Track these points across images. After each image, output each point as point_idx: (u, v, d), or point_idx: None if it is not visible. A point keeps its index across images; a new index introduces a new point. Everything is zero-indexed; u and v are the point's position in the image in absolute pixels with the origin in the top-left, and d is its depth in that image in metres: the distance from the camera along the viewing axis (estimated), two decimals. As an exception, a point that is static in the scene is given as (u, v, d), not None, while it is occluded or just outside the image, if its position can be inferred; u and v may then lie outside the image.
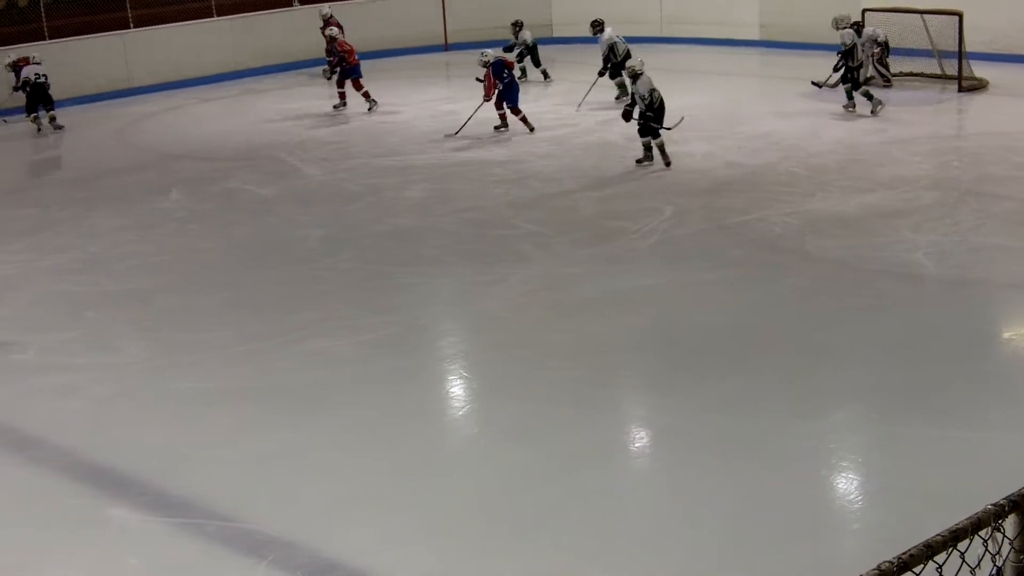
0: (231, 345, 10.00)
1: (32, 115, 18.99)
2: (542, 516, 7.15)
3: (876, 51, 18.69)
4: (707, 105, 18.20)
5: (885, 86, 18.82)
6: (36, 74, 18.99)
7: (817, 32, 20.53)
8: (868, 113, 17.11)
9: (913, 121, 17.07)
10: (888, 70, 18.99)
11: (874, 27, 18.69)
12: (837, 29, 17.64)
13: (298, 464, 7.94)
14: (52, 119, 19.17)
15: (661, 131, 14.73)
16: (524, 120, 17.10)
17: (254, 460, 8.00)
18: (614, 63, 18.71)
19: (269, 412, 8.74)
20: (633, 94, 14.93)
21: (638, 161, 14.94)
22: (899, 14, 19.16)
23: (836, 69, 17.34)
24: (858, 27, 18.39)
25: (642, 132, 14.89)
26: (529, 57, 21.10)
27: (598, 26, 19.18)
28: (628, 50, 18.73)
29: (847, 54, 17.19)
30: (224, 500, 7.41)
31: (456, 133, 17.07)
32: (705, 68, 22.35)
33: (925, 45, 19.02)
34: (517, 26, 21.23)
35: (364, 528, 7.07)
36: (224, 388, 9.20)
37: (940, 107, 18.11)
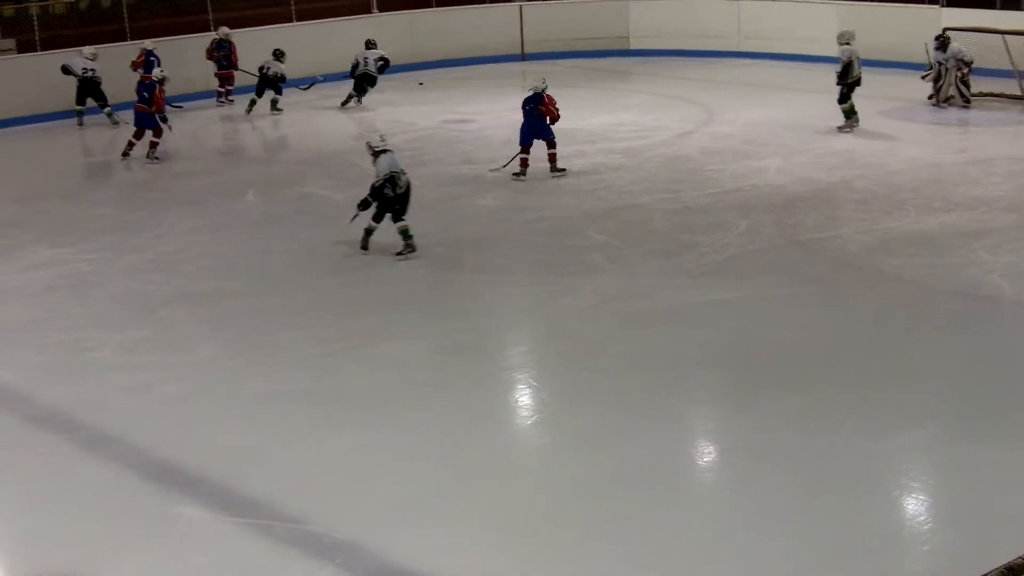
0: (301, 348, 10.09)
1: (78, 108, 19.56)
2: (607, 524, 7.14)
3: (963, 71, 18.45)
4: (783, 120, 18.07)
5: (964, 106, 18.58)
6: (84, 68, 19.38)
7: (897, 49, 20.34)
8: (839, 125, 17.29)
9: (992, 142, 16.83)
10: (969, 90, 18.74)
11: (960, 45, 18.46)
12: (839, 44, 17.51)
13: (365, 467, 7.99)
14: (108, 114, 19.60)
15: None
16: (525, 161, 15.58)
17: (322, 463, 8.06)
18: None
19: (337, 415, 8.82)
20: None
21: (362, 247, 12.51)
22: (980, 33, 18.91)
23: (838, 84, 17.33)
24: (944, 43, 18.24)
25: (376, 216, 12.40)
26: None
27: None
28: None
29: (844, 71, 17.19)
30: (292, 502, 7.47)
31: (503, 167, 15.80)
32: (780, 83, 22.20)
33: (1006, 65, 18.75)
34: None
35: (430, 533, 7.09)
36: (293, 390, 9.28)
37: (1020, 128, 17.81)
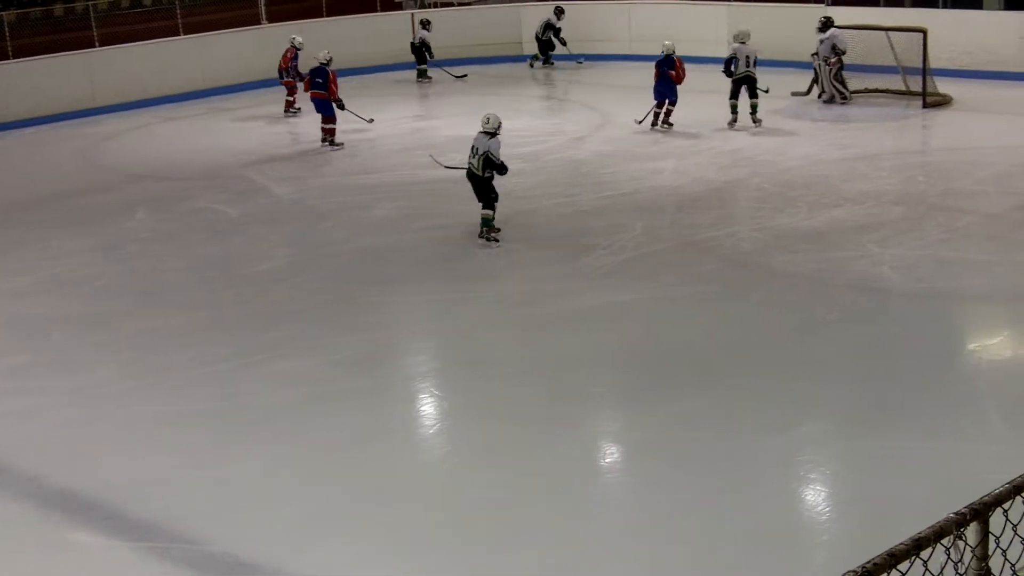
0: (198, 366, 9.93)
1: None
2: (514, 533, 7.13)
3: (833, 62, 18.87)
4: (677, 121, 18.24)
5: (843, 102, 18.99)
6: None
7: (786, 48, 20.67)
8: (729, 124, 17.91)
9: (879, 137, 17.22)
10: (845, 86, 19.15)
11: (838, 32, 18.82)
12: (732, 43, 18.06)
13: (267, 486, 7.88)
14: None
15: None
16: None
17: (222, 482, 7.94)
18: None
19: (236, 433, 8.69)
20: None
21: None
22: (865, 31, 19.32)
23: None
24: (825, 24, 18.87)
25: None
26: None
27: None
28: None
29: (726, 66, 17.85)
30: (191, 523, 7.34)
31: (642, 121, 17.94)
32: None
33: (890, 62, 19.17)
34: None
35: (335, 550, 7.01)
36: (191, 410, 9.12)
37: (905, 123, 18.23)
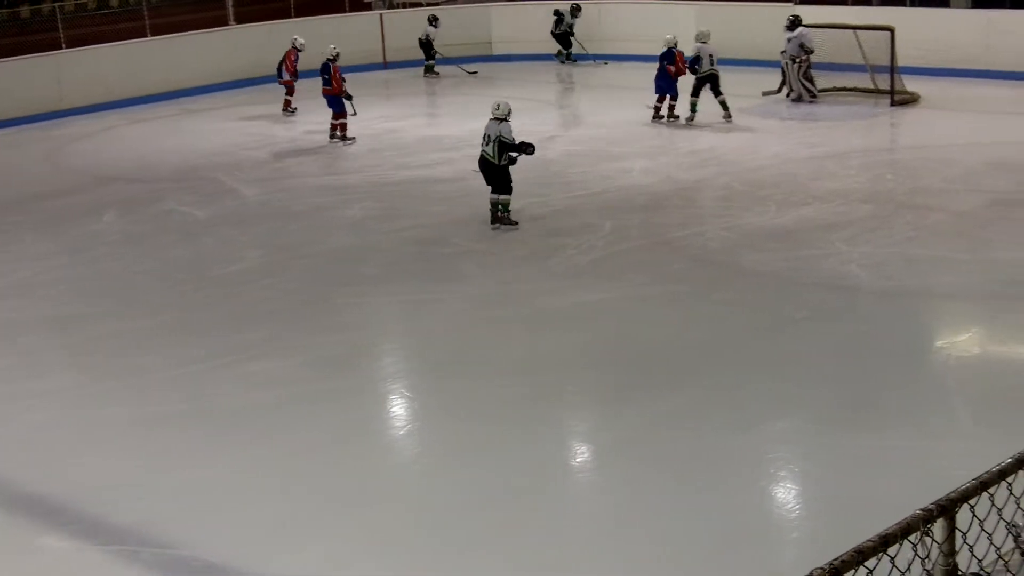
0: (168, 369, 9.87)
1: None
2: (487, 533, 7.14)
3: (801, 61, 18.97)
4: (647, 121, 18.30)
5: (812, 101, 19.09)
6: None
7: (754, 47, 20.76)
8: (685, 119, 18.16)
9: (847, 135, 17.32)
10: (813, 84, 19.26)
11: (807, 31, 18.91)
12: (695, 42, 18.20)
13: (239, 488, 7.84)
14: None
15: None
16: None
17: (192, 485, 7.89)
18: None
19: (208, 436, 8.65)
20: None
21: None
22: (832, 30, 19.41)
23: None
24: (793, 23, 18.97)
25: None
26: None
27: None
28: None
29: (691, 66, 18.03)
30: (162, 527, 7.30)
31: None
32: (643, 84, 22.48)
33: (858, 60, 19.27)
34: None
35: (307, 551, 6.99)
36: (161, 413, 9.07)
37: (873, 121, 18.34)
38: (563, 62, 24.21)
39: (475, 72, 23.41)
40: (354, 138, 17.94)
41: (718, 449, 7.98)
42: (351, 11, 25.58)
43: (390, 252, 12.92)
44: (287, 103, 20.37)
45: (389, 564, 6.86)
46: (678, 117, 18.17)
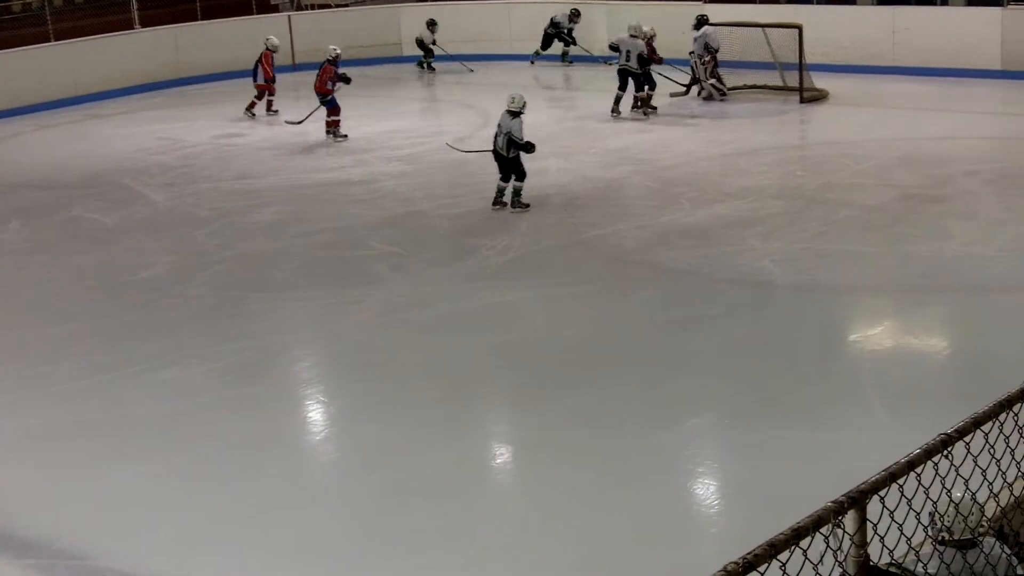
0: (77, 378, 9.67)
1: None
2: (404, 537, 7.08)
3: (707, 59, 19.16)
4: (563, 120, 18.36)
5: (722, 99, 19.28)
6: None
7: (664, 46, 20.88)
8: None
9: (757, 133, 17.48)
10: (722, 82, 19.45)
11: (713, 30, 19.10)
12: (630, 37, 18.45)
13: (152, 497, 7.71)
14: None
15: None
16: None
17: (104, 496, 7.75)
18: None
19: (120, 445, 8.49)
20: None
21: None
22: (741, 28, 19.62)
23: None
24: (700, 22, 19.21)
25: None
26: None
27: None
28: None
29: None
30: (75, 538, 7.17)
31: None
32: (555, 84, 22.60)
33: (767, 58, 19.50)
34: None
35: (221, 561, 6.90)
36: (72, 422, 8.88)
37: (783, 118, 18.57)
38: (533, 61, 23.96)
39: (472, 71, 23.40)
40: (346, 135, 17.89)
41: (636, 446, 8.01)
42: (259, 13, 25.30)
43: (302, 256, 12.78)
44: (270, 103, 20.10)
45: (305, 571, 6.78)
46: (655, 109, 18.40)
